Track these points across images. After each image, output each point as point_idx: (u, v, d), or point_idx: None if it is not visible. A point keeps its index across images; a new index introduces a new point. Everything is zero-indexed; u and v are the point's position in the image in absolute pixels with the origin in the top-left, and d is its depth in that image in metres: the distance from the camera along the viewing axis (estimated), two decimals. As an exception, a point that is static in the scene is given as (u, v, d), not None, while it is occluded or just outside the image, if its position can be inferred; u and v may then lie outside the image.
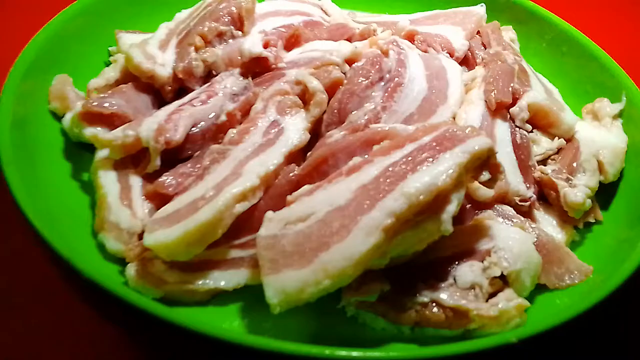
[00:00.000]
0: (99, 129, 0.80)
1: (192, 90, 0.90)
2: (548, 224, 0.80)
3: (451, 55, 1.07)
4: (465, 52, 1.08)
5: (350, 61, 0.88)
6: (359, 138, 0.73)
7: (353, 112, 0.81)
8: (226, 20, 0.93)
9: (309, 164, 0.73)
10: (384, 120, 0.80)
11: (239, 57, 0.90)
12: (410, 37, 0.97)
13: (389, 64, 0.85)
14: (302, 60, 0.90)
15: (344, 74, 0.87)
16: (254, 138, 0.78)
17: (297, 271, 0.61)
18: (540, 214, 0.81)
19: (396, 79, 0.83)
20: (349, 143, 0.73)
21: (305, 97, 0.83)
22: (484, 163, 0.69)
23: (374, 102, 0.81)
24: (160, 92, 0.90)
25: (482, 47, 1.09)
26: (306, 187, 0.70)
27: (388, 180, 0.65)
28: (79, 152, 0.84)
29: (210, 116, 0.84)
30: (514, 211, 0.78)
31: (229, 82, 0.89)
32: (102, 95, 0.84)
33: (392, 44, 0.88)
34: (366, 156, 0.70)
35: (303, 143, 0.78)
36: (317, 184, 0.69)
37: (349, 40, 1.07)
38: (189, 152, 0.83)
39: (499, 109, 0.85)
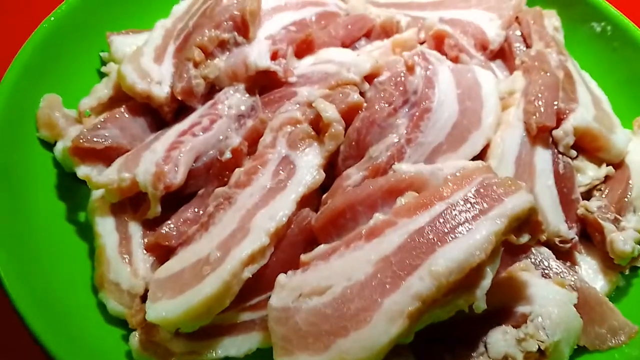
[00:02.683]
0: (92, 169, 0.73)
1: (194, 108, 0.82)
2: (590, 268, 0.72)
3: (485, 48, 0.95)
4: (501, 43, 0.95)
5: (370, 77, 0.77)
6: (380, 187, 0.64)
7: (373, 146, 0.71)
8: (228, 25, 0.81)
9: (325, 216, 0.65)
10: (408, 155, 0.71)
11: (245, 70, 0.80)
12: (439, 39, 0.84)
13: (414, 83, 0.74)
14: (315, 75, 0.79)
15: (363, 93, 0.77)
16: (262, 180, 0.70)
17: (312, 357, 0.56)
18: (582, 256, 0.73)
19: (423, 103, 0.73)
20: (369, 194, 0.64)
21: (319, 125, 0.74)
22: (524, 223, 0.60)
23: (397, 133, 0.71)
24: (159, 112, 0.82)
25: (521, 39, 0.96)
26: (322, 249, 0.62)
27: (413, 253, 0.57)
28: (75, 185, 0.77)
29: (214, 146, 0.76)
30: (553, 256, 0.70)
31: (234, 100, 0.80)
32: (93, 124, 0.76)
33: (419, 57, 0.76)
34: (388, 214, 0.62)
35: (317, 184, 0.70)
36: (334, 246, 0.62)
37: (369, 34, 0.95)
38: (192, 189, 0.76)
39: (541, 133, 0.75)
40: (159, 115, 0.81)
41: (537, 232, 0.61)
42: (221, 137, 0.77)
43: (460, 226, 0.58)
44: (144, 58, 0.82)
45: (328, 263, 0.60)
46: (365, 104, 0.74)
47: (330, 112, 0.71)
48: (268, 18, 0.88)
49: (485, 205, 0.59)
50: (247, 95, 0.80)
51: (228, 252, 0.63)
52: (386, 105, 0.72)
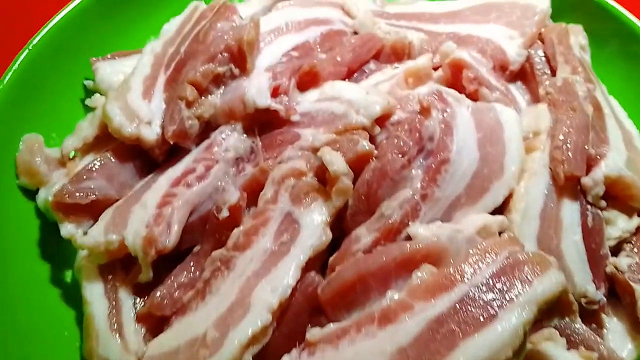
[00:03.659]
0: (77, 227, 0.67)
1: (187, 148, 0.75)
2: (617, 331, 0.67)
3: (504, 69, 0.87)
4: (522, 63, 0.88)
5: (382, 118, 0.70)
6: (394, 258, 0.58)
7: (385, 201, 0.65)
8: (224, 57, 0.73)
9: (334, 289, 0.59)
10: (423, 212, 0.64)
11: (242, 108, 0.73)
12: (457, 68, 0.76)
13: (430, 128, 0.67)
14: (320, 114, 0.72)
15: (374, 137, 0.70)
16: (263, 242, 0.63)
17: None
18: (608, 317, 0.67)
19: (440, 153, 0.66)
20: (381, 266, 0.58)
21: (324, 174, 0.67)
22: (554, 307, 0.54)
23: (412, 187, 0.65)
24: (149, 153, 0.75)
25: (544, 59, 0.88)
26: (330, 330, 0.57)
27: (432, 346, 0.51)
28: (61, 239, 0.70)
29: (211, 196, 0.70)
30: (579, 319, 0.65)
31: (231, 141, 0.72)
32: (78, 174, 0.69)
33: (436, 98, 0.69)
34: (403, 291, 0.56)
35: (324, 245, 0.64)
36: (344, 328, 0.56)
37: (378, 55, 0.87)
38: (188, 244, 0.70)
39: (569, 183, 0.68)
40: (149, 155, 0.75)
41: (568, 313, 0.56)
42: (218, 185, 0.70)
43: (483, 315, 0.52)
44: (132, 94, 0.75)
45: (337, 350, 0.55)
46: (375, 151, 0.67)
47: (337, 164, 0.64)
48: (268, 42, 0.80)
49: (511, 289, 0.53)
50: (246, 135, 0.73)
51: (227, 332, 0.57)
52: (399, 155, 0.65)
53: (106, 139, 0.75)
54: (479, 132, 0.69)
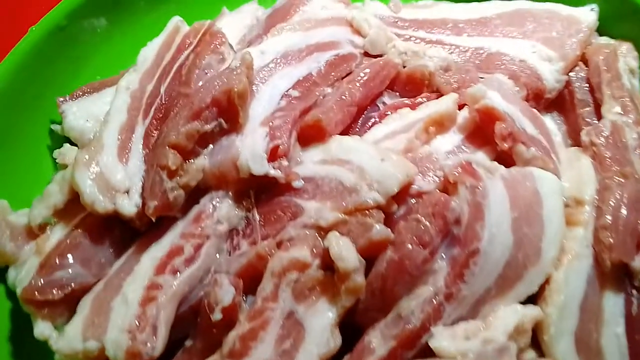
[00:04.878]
0: (51, 327, 0.59)
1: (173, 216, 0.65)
2: None
3: (539, 97, 0.75)
4: (560, 90, 0.76)
5: (400, 192, 0.59)
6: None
7: (403, 299, 0.56)
8: (211, 113, 0.62)
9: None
10: (447, 314, 0.55)
11: (235, 173, 0.62)
12: (488, 117, 0.64)
13: (457, 210, 0.57)
14: (326, 182, 0.61)
15: (390, 214, 0.60)
16: (263, 350, 0.55)
17: None
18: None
19: (469, 244, 0.56)
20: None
21: (332, 263, 0.58)
22: None
23: (434, 284, 0.55)
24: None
25: (587, 87, 0.75)
26: None
27: None
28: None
29: (202, 280, 0.61)
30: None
31: (223, 211, 0.62)
32: (48, 260, 0.60)
33: (464, 172, 0.58)
34: None
35: (332, 352, 0.55)
36: None
37: (393, 85, 0.74)
38: (178, 335, 0.62)
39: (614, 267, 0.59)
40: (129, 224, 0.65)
41: None
42: (210, 267, 0.61)
43: None
44: (105, 154, 0.64)
45: None
46: (392, 234, 0.57)
47: (346, 260, 0.55)
48: (264, 79, 0.68)
49: None
50: (239, 203, 0.63)
51: None
52: (420, 247, 0.56)
53: (79, 204, 0.65)
54: (514, 211, 0.58)
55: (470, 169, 0.58)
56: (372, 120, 0.71)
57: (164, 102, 0.67)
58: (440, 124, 0.67)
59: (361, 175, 0.60)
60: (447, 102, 0.67)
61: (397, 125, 0.67)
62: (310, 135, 0.65)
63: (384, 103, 0.73)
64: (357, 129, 0.71)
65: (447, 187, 0.59)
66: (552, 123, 0.77)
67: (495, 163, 0.60)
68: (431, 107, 0.67)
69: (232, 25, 0.79)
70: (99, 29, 0.74)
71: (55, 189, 0.65)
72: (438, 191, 0.59)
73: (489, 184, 0.58)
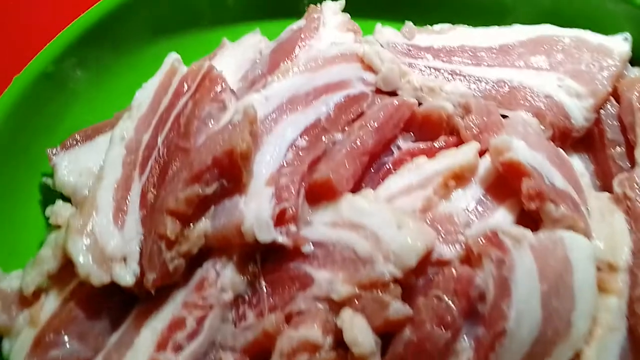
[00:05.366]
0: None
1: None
2: None
3: (566, 137, 0.70)
4: (587, 127, 0.70)
5: (419, 264, 0.55)
6: None
7: (423, 383, 0.52)
8: (212, 175, 0.57)
9: None
10: (471, 397, 0.52)
11: (239, 238, 0.58)
12: (513, 172, 0.59)
13: (482, 285, 0.52)
14: (337, 250, 0.56)
15: (407, 287, 0.55)
16: None
17: None
18: None
19: (495, 325, 0.51)
20: None
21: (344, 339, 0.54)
22: None
23: (457, 367, 0.52)
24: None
25: (618, 125, 0.70)
26: None
27: None
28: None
29: (206, 354, 0.57)
30: None
31: (228, 277, 0.58)
32: (42, 337, 0.56)
33: (490, 245, 0.53)
34: None
35: None
36: None
37: (408, 125, 0.69)
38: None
39: (651, 341, 0.55)
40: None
41: None
42: (215, 340, 0.58)
43: None
44: (100, 217, 0.59)
45: None
46: (410, 312, 0.53)
47: (362, 344, 0.50)
48: (269, 129, 0.62)
49: None
50: (245, 270, 0.59)
51: None
52: (442, 329, 0.51)
53: (73, 269, 0.61)
54: (544, 284, 0.53)
55: (495, 240, 0.53)
56: (386, 166, 0.67)
57: (161, 155, 0.62)
58: (461, 177, 0.62)
59: (376, 244, 0.55)
60: (468, 153, 0.62)
61: (413, 179, 0.62)
62: (320, 193, 0.60)
63: (398, 147, 0.68)
64: (370, 178, 0.66)
65: (470, 257, 0.54)
66: (579, 162, 0.72)
67: (523, 230, 0.55)
68: (450, 159, 0.62)
69: (234, 59, 0.73)
70: (89, 70, 0.68)
71: (48, 253, 0.61)
72: (460, 263, 0.54)
73: (516, 256, 0.54)
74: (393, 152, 0.68)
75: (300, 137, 0.63)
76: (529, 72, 0.73)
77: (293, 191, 0.58)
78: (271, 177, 0.59)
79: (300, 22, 0.72)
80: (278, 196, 0.58)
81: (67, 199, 0.65)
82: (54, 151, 0.65)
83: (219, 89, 0.63)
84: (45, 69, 0.63)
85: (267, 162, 0.60)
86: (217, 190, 0.58)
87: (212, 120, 0.63)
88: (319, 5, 0.75)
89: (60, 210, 0.63)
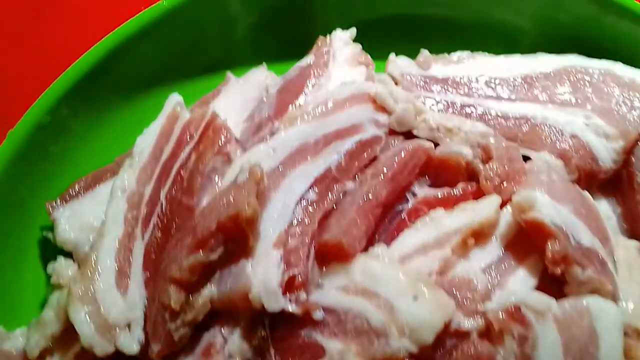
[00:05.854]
0: None
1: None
2: None
3: (592, 180, 0.65)
4: (615, 170, 0.66)
5: (436, 338, 0.52)
6: None
7: None
8: (216, 240, 0.53)
9: None
10: None
11: (246, 303, 0.55)
12: (537, 231, 0.55)
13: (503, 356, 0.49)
14: (349, 318, 0.52)
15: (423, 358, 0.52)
16: None
17: None
18: None
19: (516, 406, 0.49)
20: None
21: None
22: None
23: None
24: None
25: (647, 166, 0.65)
26: None
27: None
28: None
29: None
30: None
31: (235, 344, 0.55)
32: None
33: (512, 320, 0.49)
34: None
35: None
36: None
37: (424, 169, 0.65)
38: None
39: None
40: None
41: None
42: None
43: None
44: (102, 283, 0.56)
45: None
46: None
47: None
48: (278, 180, 0.59)
49: None
50: (253, 335, 0.56)
51: None
52: (460, 410, 0.49)
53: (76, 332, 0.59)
54: (568, 357, 0.51)
55: (517, 315, 0.50)
56: (401, 216, 0.63)
57: (164, 212, 0.59)
58: (480, 234, 0.58)
59: (391, 315, 0.52)
60: (489, 209, 0.58)
61: (430, 235, 0.58)
62: (331, 254, 0.57)
63: (413, 194, 0.64)
64: (384, 228, 0.63)
65: (491, 331, 0.51)
66: (605, 205, 0.68)
67: (547, 301, 0.52)
68: (470, 214, 0.58)
69: (239, 96, 0.69)
70: (86, 116, 0.65)
71: (51, 315, 0.59)
72: (479, 337, 0.51)
73: (539, 331, 0.50)
74: (408, 200, 0.65)
75: (310, 189, 0.60)
76: (554, 107, 0.68)
77: (302, 255, 0.55)
78: (279, 239, 0.56)
79: (309, 58, 0.68)
80: (287, 261, 0.55)
81: (68, 254, 0.62)
82: (54, 204, 0.63)
83: (223, 140, 0.60)
84: (41, 121, 0.60)
85: (274, 220, 0.57)
86: (222, 254, 0.55)
87: (216, 174, 0.60)
88: (328, 36, 0.70)
89: (61, 269, 0.61)
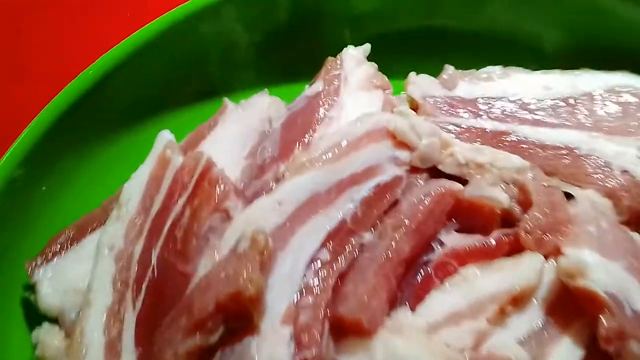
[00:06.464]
0: None
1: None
2: None
3: (643, 219, 0.57)
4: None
5: None
6: None
7: None
8: (216, 321, 0.46)
9: None
10: None
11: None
12: (588, 300, 0.47)
13: None
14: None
15: None
16: None
17: None
18: None
19: None
20: None
21: None
22: None
23: None
24: None
25: None
26: None
27: None
28: None
29: None
30: None
31: None
32: None
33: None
34: None
35: None
36: None
37: (451, 212, 0.57)
38: None
39: None
40: None
41: None
42: None
43: None
44: (91, 355, 0.50)
45: None
46: None
47: None
48: (286, 239, 0.51)
49: None
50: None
51: None
52: None
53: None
54: None
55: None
56: (427, 269, 0.56)
57: (157, 277, 0.52)
58: (519, 300, 0.51)
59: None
60: (530, 272, 0.50)
61: (462, 301, 0.50)
62: (348, 329, 0.50)
63: (440, 242, 0.57)
64: (407, 283, 0.55)
65: None
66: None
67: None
68: (508, 277, 0.50)
69: (239, 127, 0.60)
70: (66, 161, 0.57)
71: (36, 393, 0.53)
72: None
73: None
74: (434, 249, 0.57)
75: (322, 246, 0.52)
76: (601, 136, 0.59)
77: (316, 334, 0.48)
78: (288, 312, 0.49)
79: (317, 85, 0.59)
80: (298, 339, 0.47)
81: (53, 320, 0.56)
82: (34, 264, 0.56)
83: (220, 193, 0.52)
84: (12, 175, 0.52)
85: (282, 289, 0.49)
86: (223, 334, 0.48)
87: (214, 234, 0.52)
88: (339, 56, 0.61)
89: (46, 339, 0.54)
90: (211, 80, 0.65)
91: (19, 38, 0.84)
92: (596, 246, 0.51)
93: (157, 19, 0.61)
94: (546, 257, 0.53)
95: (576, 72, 0.62)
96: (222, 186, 0.52)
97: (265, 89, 0.63)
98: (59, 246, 0.57)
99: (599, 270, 0.48)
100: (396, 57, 0.65)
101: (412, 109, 0.64)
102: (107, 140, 0.61)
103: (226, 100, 0.63)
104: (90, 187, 0.61)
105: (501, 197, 0.54)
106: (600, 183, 0.57)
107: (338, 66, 0.61)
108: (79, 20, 0.86)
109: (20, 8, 0.87)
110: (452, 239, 0.56)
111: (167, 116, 0.64)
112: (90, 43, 0.77)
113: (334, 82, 0.59)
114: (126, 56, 0.60)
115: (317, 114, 0.58)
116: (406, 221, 0.54)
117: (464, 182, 0.58)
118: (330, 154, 0.54)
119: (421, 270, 0.55)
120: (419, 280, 0.55)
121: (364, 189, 0.55)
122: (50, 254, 0.57)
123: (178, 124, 0.62)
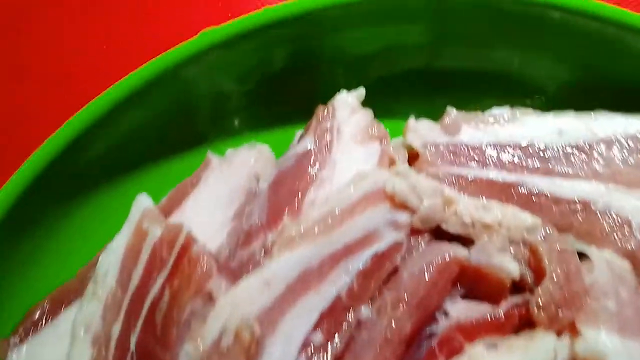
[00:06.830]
0: None
1: None
2: None
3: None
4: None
5: None
6: None
7: None
8: None
9: None
10: None
11: None
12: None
13: None
14: None
15: None
16: None
17: None
18: None
19: None
20: None
21: None
22: None
23: None
24: None
25: None
26: None
27: None
28: None
29: None
30: None
31: None
32: None
33: None
34: None
35: None
36: None
37: (458, 279, 0.52)
38: None
39: None
40: None
41: None
42: None
43: None
44: None
45: None
46: None
47: None
48: (275, 322, 0.47)
49: None
50: None
51: None
52: None
53: None
54: None
55: None
56: (429, 343, 0.51)
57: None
58: (532, 383, 0.47)
59: None
60: (542, 355, 0.46)
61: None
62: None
63: (445, 313, 0.52)
64: (409, 357, 0.52)
65: None
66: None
67: None
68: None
69: (222, 187, 0.55)
70: (45, 221, 0.53)
71: None
72: None
73: None
74: (438, 321, 0.53)
75: (316, 327, 0.48)
76: (619, 189, 0.54)
77: None
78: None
79: (307, 141, 0.53)
80: None
81: (30, 403, 0.52)
82: (9, 342, 0.52)
83: (202, 274, 0.47)
84: None
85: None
86: None
87: (196, 320, 0.48)
88: (330, 105, 0.55)
89: None
90: (198, 129, 0.60)
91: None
92: (616, 324, 0.46)
93: (139, 68, 0.55)
94: (560, 332, 0.49)
95: (592, 114, 0.56)
96: (203, 266, 0.48)
97: (253, 140, 0.57)
98: (34, 323, 0.53)
99: (619, 356, 0.44)
100: (395, 97, 0.59)
101: (412, 156, 0.59)
102: (87, 199, 0.57)
103: (209, 154, 0.57)
104: (68, 250, 0.56)
105: (511, 266, 0.49)
106: (618, 241, 0.52)
107: (330, 116, 0.56)
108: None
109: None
110: (458, 309, 0.52)
111: (151, 170, 0.59)
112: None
113: (325, 137, 0.54)
114: (107, 109, 0.55)
115: (307, 175, 0.52)
116: (407, 296, 0.49)
117: (469, 240, 0.54)
118: (322, 225, 0.49)
119: (424, 344, 0.52)
120: (422, 356, 0.51)
121: (360, 259, 0.50)
122: (23, 333, 0.53)
123: (164, 175, 0.57)
